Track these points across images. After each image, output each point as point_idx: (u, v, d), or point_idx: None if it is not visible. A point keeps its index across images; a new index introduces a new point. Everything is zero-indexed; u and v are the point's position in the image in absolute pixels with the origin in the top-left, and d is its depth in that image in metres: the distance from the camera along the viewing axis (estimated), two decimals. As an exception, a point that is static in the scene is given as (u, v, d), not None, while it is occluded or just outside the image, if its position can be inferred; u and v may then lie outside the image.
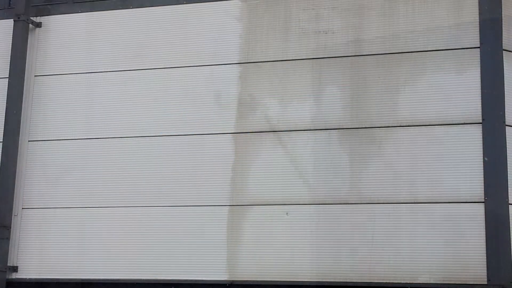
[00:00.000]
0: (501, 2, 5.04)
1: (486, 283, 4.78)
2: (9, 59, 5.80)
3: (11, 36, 5.84)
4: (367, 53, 5.21)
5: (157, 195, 5.40)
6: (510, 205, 4.83)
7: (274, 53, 5.37)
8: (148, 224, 5.37)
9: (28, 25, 5.86)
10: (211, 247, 5.22)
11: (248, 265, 5.14)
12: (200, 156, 5.36)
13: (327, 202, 5.10)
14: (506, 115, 4.91)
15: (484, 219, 4.84)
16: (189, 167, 5.36)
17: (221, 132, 5.36)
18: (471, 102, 4.98)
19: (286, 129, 5.26)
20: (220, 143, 5.34)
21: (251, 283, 5.11)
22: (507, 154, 4.87)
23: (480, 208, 4.86)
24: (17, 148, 5.69)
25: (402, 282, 4.90)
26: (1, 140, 5.72)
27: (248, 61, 5.42)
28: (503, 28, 5.01)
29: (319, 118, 5.20)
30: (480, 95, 4.96)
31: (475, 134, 4.95)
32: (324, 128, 5.19)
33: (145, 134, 5.51)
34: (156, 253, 5.31)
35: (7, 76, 5.79)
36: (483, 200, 4.85)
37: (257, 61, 5.40)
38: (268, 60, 5.38)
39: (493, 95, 4.94)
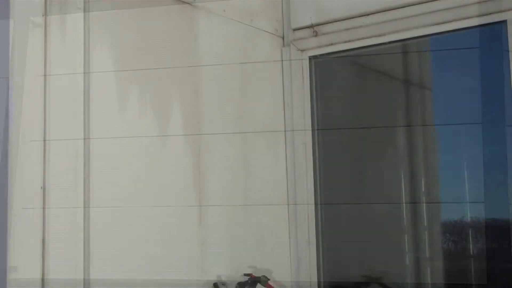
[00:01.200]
0: (501, 2, 5.06)
1: (486, 283, 4.80)
2: (9, 59, 5.81)
3: (11, 36, 5.85)
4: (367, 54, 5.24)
5: (157, 196, 5.41)
6: (510, 205, 4.85)
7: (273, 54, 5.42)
8: (149, 224, 5.38)
9: (28, 25, 5.86)
10: (211, 246, 5.24)
11: (249, 265, 5.16)
12: (201, 156, 5.38)
13: (327, 202, 5.12)
14: (506, 115, 4.93)
15: (484, 219, 4.86)
16: (190, 167, 5.38)
17: (221, 132, 5.37)
18: (471, 102, 4.99)
19: (285, 130, 5.28)
20: (220, 143, 5.35)
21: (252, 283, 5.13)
22: (507, 154, 4.89)
23: (480, 208, 4.88)
24: (17, 148, 5.69)
25: (402, 281, 4.92)
26: (1, 140, 5.74)
27: (249, 61, 5.44)
28: (503, 28, 5.03)
29: (319, 118, 5.22)
30: (480, 95, 4.98)
31: (474, 134, 4.97)
32: (324, 128, 5.22)
33: (145, 134, 5.52)
34: (156, 253, 5.33)
35: (7, 76, 5.80)
36: (483, 200, 4.87)
37: (257, 61, 5.43)
38: (268, 60, 5.41)
39: (493, 95, 4.95)
